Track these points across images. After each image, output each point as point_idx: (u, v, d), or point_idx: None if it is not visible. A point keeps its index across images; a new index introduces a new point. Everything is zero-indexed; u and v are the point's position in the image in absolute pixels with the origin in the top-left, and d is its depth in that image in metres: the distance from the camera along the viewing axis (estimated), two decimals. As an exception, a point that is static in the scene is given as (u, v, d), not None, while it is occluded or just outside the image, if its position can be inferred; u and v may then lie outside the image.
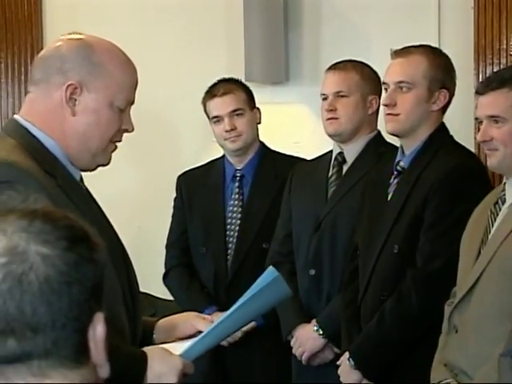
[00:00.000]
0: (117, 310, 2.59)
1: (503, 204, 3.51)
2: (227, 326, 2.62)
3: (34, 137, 2.62)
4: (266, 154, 4.66)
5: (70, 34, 2.72)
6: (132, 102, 2.71)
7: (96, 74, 2.63)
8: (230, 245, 4.58)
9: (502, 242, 3.39)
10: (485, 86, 3.53)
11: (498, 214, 3.52)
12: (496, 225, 3.49)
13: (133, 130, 2.71)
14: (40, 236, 1.51)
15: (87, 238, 1.57)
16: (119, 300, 2.61)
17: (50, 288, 1.49)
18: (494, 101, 3.46)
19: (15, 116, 2.71)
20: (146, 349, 2.58)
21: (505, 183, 3.54)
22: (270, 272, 2.58)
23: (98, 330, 1.55)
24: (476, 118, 3.60)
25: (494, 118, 3.45)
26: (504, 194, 3.52)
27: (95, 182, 2.83)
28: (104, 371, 1.58)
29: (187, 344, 2.62)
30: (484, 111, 3.48)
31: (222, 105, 4.54)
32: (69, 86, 2.59)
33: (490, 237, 3.49)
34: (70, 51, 2.64)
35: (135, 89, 2.71)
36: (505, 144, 3.43)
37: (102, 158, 2.69)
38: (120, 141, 2.72)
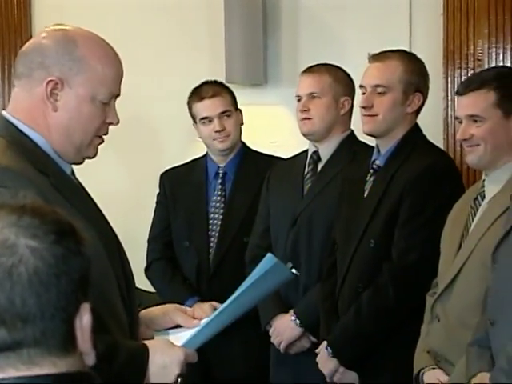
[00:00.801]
0: (114, 303, 2.56)
1: (483, 200, 3.56)
2: (228, 314, 2.58)
3: (23, 134, 2.54)
4: (247, 154, 4.68)
5: (54, 25, 2.63)
6: (117, 95, 2.62)
7: (77, 69, 2.52)
8: (213, 239, 4.58)
9: (483, 236, 3.43)
10: (465, 87, 3.58)
11: (477, 210, 3.57)
12: (476, 219, 3.53)
13: (118, 122, 2.62)
14: (29, 230, 1.51)
15: (74, 232, 1.57)
16: (116, 293, 2.57)
17: (39, 280, 1.48)
18: (473, 101, 3.49)
19: (3, 112, 2.63)
20: (147, 342, 2.53)
21: (484, 180, 3.58)
22: (269, 258, 2.53)
23: (84, 319, 1.55)
24: (456, 118, 3.64)
25: (474, 118, 3.49)
26: (483, 191, 3.56)
27: (83, 179, 2.73)
28: (90, 359, 1.58)
29: (189, 333, 2.59)
30: (464, 111, 3.52)
31: (211, 106, 4.53)
32: (49, 81, 2.50)
33: (470, 231, 3.54)
34: (52, 46, 2.54)
35: (120, 81, 2.62)
36: (485, 141, 3.46)
37: (87, 151, 2.60)
38: (106, 134, 2.63)
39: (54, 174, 2.50)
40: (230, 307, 2.55)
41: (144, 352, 2.46)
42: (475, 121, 3.47)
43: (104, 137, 2.63)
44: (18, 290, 1.46)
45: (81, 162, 2.63)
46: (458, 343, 3.41)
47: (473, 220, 3.54)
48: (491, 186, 3.52)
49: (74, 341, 1.53)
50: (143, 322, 2.70)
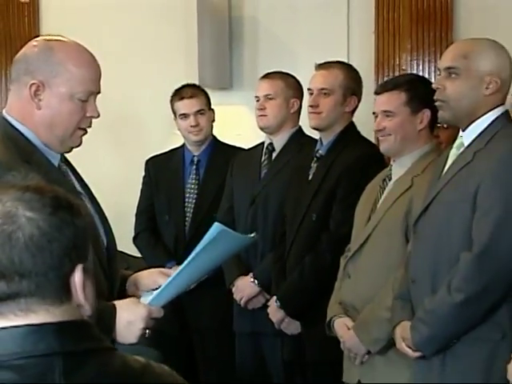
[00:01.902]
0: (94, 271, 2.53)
1: (390, 180, 3.62)
2: (185, 276, 2.51)
3: (16, 130, 2.51)
4: (216, 145, 4.68)
5: (42, 36, 2.65)
6: (97, 92, 2.56)
7: (55, 73, 2.47)
8: (188, 214, 4.59)
9: (388, 210, 3.50)
10: (381, 88, 3.67)
11: (385, 189, 3.61)
12: (383, 196, 3.59)
13: (98, 115, 2.55)
14: (29, 204, 1.50)
15: (70, 206, 1.55)
16: (95, 262, 2.43)
17: (34, 243, 1.48)
18: (387, 99, 3.55)
19: (3, 111, 2.60)
20: (116, 302, 2.48)
21: (391, 164, 3.65)
22: (215, 227, 2.44)
23: (76, 277, 1.53)
24: (373, 113, 3.64)
25: (387, 113, 3.54)
26: (390, 173, 3.62)
27: (82, 165, 2.72)
28: (85, 310, 1.56)
29: (154, 293, 2.52)
30: (379, 107, 3.57)
31: (189, 105, 4.53)
32: (32, 84, 2.47)
33: (378, 206, 3.58)
34: (34, 54, 2.51)
35: (97, 80, 2.56)
36: (395, 132, 3.51)
37: (71, 141, 2.55)
38: (89, 126, 2.57)
39: (36, 163, 2.44)
40: (186, 270, 2.48)
41: (112, 311, 2.41)
42: (388, 116, 3.52)
43: (100, 130, 2.61)
44: (15, 251, 1.46)
45: (69, 151, 2.59)
46: (364, 295, 3.46)
47: (381, 197, 3.58)
48: (397, 170, 3.58)
49: (68, 294, 1.51)
50: (133, 284, 2.66)
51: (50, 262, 1.49)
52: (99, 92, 2.56)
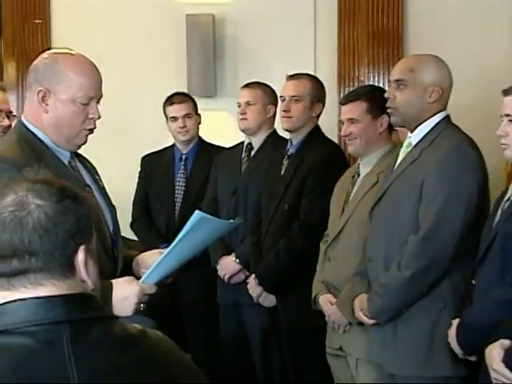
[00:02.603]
0: (98, 252, 2.51)
1: (358, 177, 3.61)
2: (172, 257, 2.48)
3: (30, 131, 2.51)
4: (202, 144, 4.64)
5: (52, 49, 2.64)
6: (99, 97, 2.54)
7: (58, 80, 2.46)
8: (177, 203, 4.55)
9: (358, 203, 3.50)
10: (345, 99, 3.67)
11: (355, 184, 3.60)
12: (354, 191, 3.58)
13: (99, 117, 2.53)
14: (38, 193, 1.51)
15: (74, 196, 1.55)
16: (99, 247, 2.38)
17: (42, 227, 1.48)
18: (351, 109, 3.55)
19: (22, 115, 2.62)
20: (113, 280, 2.46)
21: (359, 163, 3.64)
22: (196, 215, 2.42)
23: (79, 256, 1.53)
24: (340, 120, 3.66)
25: (352, 120, 3.53)
26: (359, 171, 3.62)
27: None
28: (87, 285, 1.56)
29: (146, 272, 2.49)
30: (345, 115, 3.58)
31: (178, 110, 4.50)
32: (39, 91, 2.47)
33: (350, 199, 3.58)
34: (41, 65, 2.51)
35: (97, 87, 2.53)
36: (359, 136, 3.52)
37: (76, 140, 2.53)
38: (95, 127, 2.55)
39: (47, 161, 2.41)
40: (171, 252, 2.45)
41: (108, 288, 2.38)
42: (352, 122, 3.52)
43: (102, 132, 2.60)
44: (26, 233, 1.46)
45: (77, 149, 2.58)
46: (342, 276, 3.45)
47: (352, 191, 3.58)
48: (364, 168, 3.58)
49: (72, 270, 1.51)
50: (136, 263, 2.65)
51: (56, 242, 1.49)
52: (101, 96, 2.54)
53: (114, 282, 2.44)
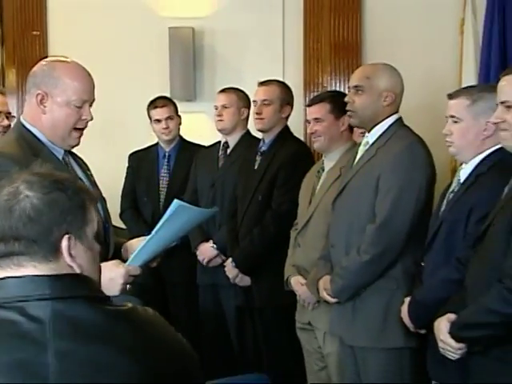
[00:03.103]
0: None
1: (323, 171, 3.61)
2: (154, 243, 2.45)
3: (28, 130, 2.50)
4: (183, 143, 4.61)
5: (53, 57, 2.62)
6: (92, 100, 2.52)
7: (55, 85, 2.45)
8: (162, 196, 4.51)
9: (324, 195, 3.50)
10: (311, 101, 3.68)
11: (320, 178, 3.61)
12: (319, 184, 3.59)
13: (92, 118, 2.51)
14: (30, 184, 1.50)
15: (65, 189, 1.53)
16: None
17: (26, 216, 1.47)
18: (317, 109, 3.57)
19: (21, 116, 2.59)
20: (102, 264, 2.43)
21: (323, 159, 3.65)
22: (174, 203, 2.41)
23: (63, 244, 1.50)
24: (307, 120, 3.66)
25: (317, 120, 3.54)
26: (323, 166, 3.62)
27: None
28: (74, 269, 1.52)
29: (131, 256, 2.48)
30: (311, 116, 3.59)
31: (161, 112, 4.47)
32: (37, 94, 2.46)
33: (316, 191, 3.59)
34: (40, 71, 2.49)
35: (90, 91, 2.52)
36: (324, 134, 3.53)
37: (70, 140, 2.51)
38: (85, 127, 2.54)
39: (43, 157, 2.39)
40: (154, 237, 2.43)
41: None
42: (318, 121, 3.53)
43: (93, 132, 2.58)
44: (13, 220, 1.46)
45: (71, 148, 2.56)
46: (311, 259, 3.46)
47: (318, 184, 3.59)
48: (328, 163, 3.59)
49: (56, 255, 1.49)
50: (125, 249, 2.63)
51: (39, 230, 1.47)
52: (94, 100, 2.53)
53: (103, 264, 2.34)
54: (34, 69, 2.53)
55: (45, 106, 2.46)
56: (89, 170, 2.71)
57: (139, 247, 2.47)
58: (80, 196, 1.54)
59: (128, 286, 2.42)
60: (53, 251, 1.50)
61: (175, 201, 2.42)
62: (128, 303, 1.57)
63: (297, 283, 3.54)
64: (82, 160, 2.70)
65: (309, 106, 3.66)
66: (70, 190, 1.53)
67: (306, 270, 3.52)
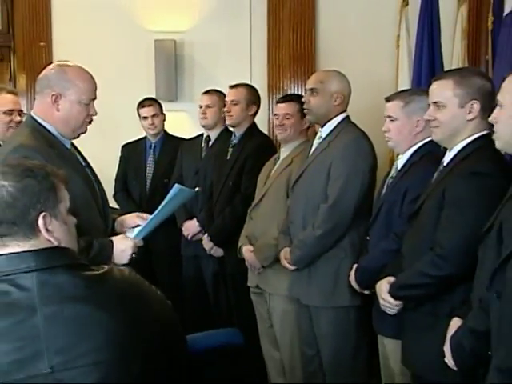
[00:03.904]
0: (94, 218, 2.47)
1: (278, 159, 3.60)
2: (157, 218, 2.49)
3: (40, 125, 2.45)
4: (167, 136, 4.57)
5: (59, 62, 2.56)
6: (94, 99, 2.50)
7: (68, 86, 2.42)
8: (148, 180, 4.46)
9: (276, 178, 3.50)
10: (282, 99, 3.62)
11: (275, 164, 3.60)
12: (274, 169, 3.57)
13: (96, 114, 2.50)
14: (4, 175, 1.48)
15: (35, 175, 1.50)
16: (96, 212, 2.48)
17: (5, 202, 1.46)
18: (288, 107, 3.51)
19: (31, 112, 2.54)
20: (113, 238, 2.45)
21: (280, 150, 3.64)
22: (176, 187, 2.46)
23: (39, 222, 1.49)
24: (275, 114, 3.59)
25: (287, 115, 3.50)
26: (279, 155, 3.61)
27: (83, 150, 2.64)
28: (53, 243, 1.51)
29: (136, 230, 2.50)
30: (281, 111, 3.53)
31: (147, 111, 4.43)
32: (52, 95, 2.43)
33: (271, 175, 3.57)
34: (53, 74, 2.45)
35: (94, 91, 2.50)
36: (290, 128, 3.50)
37: (80, 130, 2.50)
38: (91, 121, 2.52)
39: (57, 148, 2.42)
40: (158, 214, 2.47)
41: (110, 243, 2.40)
42: (287, 117, 3.49)
43: (91, 126, 2.53)
44: None
45: (77, 137, 2.53)
46: (260, 230, 3.49)
47: (273, 169, 3.58)
48: (283, 153, 3.57)
49: (34, 232, 1.48)
50: (120, 224, 2.62)
51: (16, 213, 1.46)
52: (95, 98, 2.51)
53: (114, 239, 2.43)
54: (46, 73, 2.48)
55: (58, 105, 2.42)
56: (85, 159, 2.67)
57: (144, 224, 2.49)
58: (49, 179, 1.52)
59: (134, 255, 2.43)
60: (32, 230, 1.48)
61: (176, 185, 2.47)
62: (105, 266, 1.55)
63: (246, 251, 3.52)
64: (79, 151, 2.66)
65: (281, 102, 3.57)
66: (40, 176, 1.51)
67: (256, 239, 3.51)
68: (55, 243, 1.50)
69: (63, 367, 1.37)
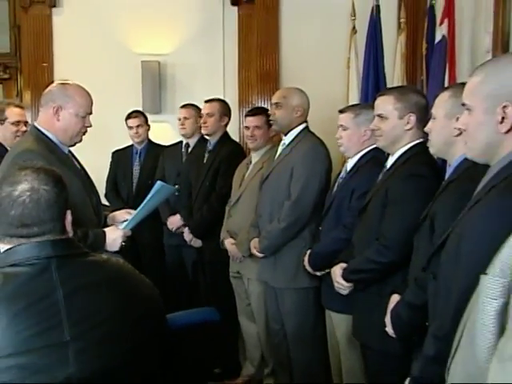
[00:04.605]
0: (90, 214, 2.46)
1: (250, 163, 3.57)
2: (142, 212, 2.49)
3: (43, 134, 2.44)
4: (151, 143, 4.51)
5: (60, 80, 2.55)
6: (90, 113, 2.49)
7: (68, 101, 2.43)
8: (134, 182, 4.40)
9: (251, 179, 3.47)
10: (251, 112, 3.58)
11: (248, 168, 3.57)
12: (248, 172, 3.55)
13: (91, 126, 2.49)
14: (44, 181, 1.47)
15: (61, 181, 1.52)
16: (90, 210, 2.47)
17: (47, 204, 1.46)
18: (255, 119, 3.49)
19: (34, 123, 2.53)
20: (105, 229, 2.45)
21: (251, 155, 3.61)
22: (158, 184, 2.47)
23: (68, 218, 1.53)
24: (246, 126, 3.56)
25: (256, 127, 3.47)
26: (251, 160, 3.58)
27: (79, 156, 2.61)
28: (68, 233, 1.53)
29: (125, 223, 2.50)
30: (253, 123, 3.49)
31: (133, 122, 4.38)
32: (54, 107, 2.42)
33: (245, 177, 3.54)
34: (56, 90, 2.45)
35: (91, 106, 2.49)
36: (259, 138, 3.48)
37: (76, 139, 2.48)
38: (86, 131, 2.49)
39: (57, 153, 2.42)
40: (143, 207, 2.47)
41: (103, 233, 2.40)
42: (257, 128, 3.47)
43: (88, 135, 2.53)
44: (41, 209, 1.45)
45: (73, 145, 2.52)
46: (239, 226, 3.45)
47: (246, 172, 3.55)
48: (254, 158, 3.55)
49: (64, 227, 1.50)
50: (111, 219, 2.61)
51: (53, 213, 1.47)
52: (91, 113, 2.51)
53: (106, 230, 2.43)
54: (50, 88, 2.47)
55: (59, 116, 2.41)
56: (80, 163, 2.65)
57: (131, 217, 2.49)
58: (65, 184, 1.54)
59: (123, 243, 2.43)
60: (62, 225, 1.50)
61: (158, 182, 2.46)
62: (104, 255, 1.60)
63: (228, 243, 3.51)
64: (75, 156, 2.65)
65: (250, 116, 3.52)
66: (63, 181, 1.53)
67: (235, 234, 3.49)
68: (70, 235, 1.53)
69: (80, 336, 1.39)
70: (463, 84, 1.54)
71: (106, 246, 2.38)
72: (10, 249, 1.45)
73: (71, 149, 2.55)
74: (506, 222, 1.15)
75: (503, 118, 1.36)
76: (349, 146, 2.80)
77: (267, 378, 3.57)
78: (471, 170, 1.62)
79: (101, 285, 1.47)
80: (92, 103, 2.50)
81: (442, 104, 1.96)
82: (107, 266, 1.54)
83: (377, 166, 2.59)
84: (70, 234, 1.53)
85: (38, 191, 1.45)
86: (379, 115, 2.40)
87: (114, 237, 2.40)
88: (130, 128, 4.40)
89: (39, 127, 2.45)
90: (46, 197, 1.46)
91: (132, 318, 1.49)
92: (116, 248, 2.40)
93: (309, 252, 2.91)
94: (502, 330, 0.75)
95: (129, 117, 4.40)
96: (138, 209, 2.48)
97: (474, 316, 0.79)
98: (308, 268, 2.91)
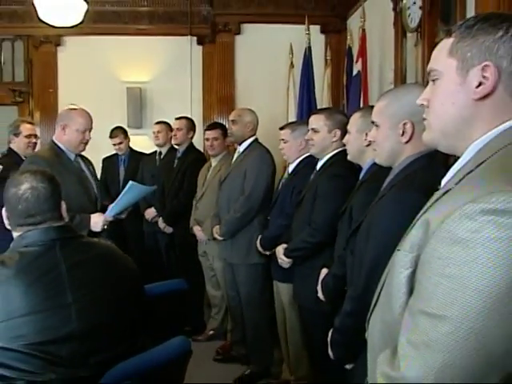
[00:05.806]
0: (83, 202, 2.46)
1: (211, 167, 3.54)
2: (118, 206, 2.49)
3: (55, 144, 2.51)
4: (133, 152, 4.43)
5: (70, 105, 2.62)
6: (90, 129, 2.53)
7: (71, 120, 2.49)
8: (121, 182, 4.31)
9: (211, 180, 3.44)
10: (210, 127, 3.51)
11: (209, 170, 3.53)
12: (209, 174, 3.52)
13: (90, 138, 2.55)
14: (41, 180, 1.48)
15: (54, 178, 1.52)
16: (86, 200, 2.47)
17: (44, 198, 1.46)
18: (213, 132, 3.46)
19: (53, 137, 2.57)
20: (92, 215, 2.46)
21: (211, 160, 3.57)
22: (130, 183, 2.50)
23: (63, 206, 1.52)
24: (206, 139, 3.47)
25: (215, 138, 3.43)
26: (211, 164, 3.55)
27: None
28: (64, 219, 1.53)
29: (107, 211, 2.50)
30: (210, 136, 3.45)
31: (115, 140, 4.31)
32: (61, 125, 2.49)
33: (207, 178, 3.51)
34: (63, 112, 2.56)
35: (90, 124, 2.54)
36: (217, 147, 3.44)
37: (79, 148, 2.52)
38: (87, 143, 2.54)
39: (62, 157, 2.46)
40: (118, 203, 2.48)
41: (88, 217, 2.40)
42: (215, 139, 3.43)
43: (88, 144, 2.58)
44: (39, 202, 1.45)
45: (79, 153, 2.56)
46: (204, 215, 3.43)
47: (208, 174, 3.53)
48: (214, 162, 3.51)
49: (61, 214, 1.50)
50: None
51: (50, 205, 1.47)
52: (91, 129, 2.55)
53: (92, 215, 2.45)
54: (61, 112, 2.61)
55: (65, 131, 2.48)
56: (91, 165, 2.71)
57: (110, 206, 2.51)
58: (57, 180, 1.53)
59: (105, 226, 2.45)
60: (59, 213, 1.50)
61: (130, 182, 2.50)
62: (95, 238, 1.61)
63: (196, 230, 3.50)
64: (88, 160, 2.70)
65: (209, 129, 3.52)
66: (55, 179, 1.53)
67: (201, 222, 3.48)
68: (66, 220, 1.53)
69: (80, 299, 1.41)
70: (371, 107, 1.59)
71: (91, 227, 2.40)
72: (21, 235, 1.46)
73: (88, 156, 2.63)
74: (402, 211, 1.21)
75: (403, 132, 1.42)
76: (289, 154, 2.82)
77: (229, 332, 3.58)
78: (378, 172, 1.66)
79: (94, 260, 1.49)
80: (91, 122, 2.54)
81: (354, 122, 2.00)
82: (98, 246, 1.54)
83: (310, 168, 2.62)
84: (66, 219, 1.53)
85: (37, 188, 1.46)
86: (312, 129, 2.44)
87: (97, 220, 2.41)
88: (114, 145, 4.34)
89: (54, 140, 2.53)
90: (43, 192, 1.46)
91: (118, 285, 1.51)
92: (98, 229, 2.40)
93: (260, 236, 2.93)
94: (410, 291, 0.79)
95: (110, 136, 4.32)
96: (116, 201, 2.50)
97: (390, 281, 0.84)
98: (260, 249, 2.93)
